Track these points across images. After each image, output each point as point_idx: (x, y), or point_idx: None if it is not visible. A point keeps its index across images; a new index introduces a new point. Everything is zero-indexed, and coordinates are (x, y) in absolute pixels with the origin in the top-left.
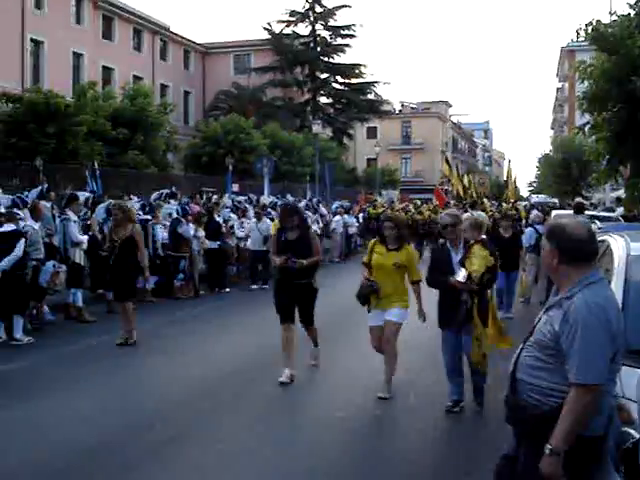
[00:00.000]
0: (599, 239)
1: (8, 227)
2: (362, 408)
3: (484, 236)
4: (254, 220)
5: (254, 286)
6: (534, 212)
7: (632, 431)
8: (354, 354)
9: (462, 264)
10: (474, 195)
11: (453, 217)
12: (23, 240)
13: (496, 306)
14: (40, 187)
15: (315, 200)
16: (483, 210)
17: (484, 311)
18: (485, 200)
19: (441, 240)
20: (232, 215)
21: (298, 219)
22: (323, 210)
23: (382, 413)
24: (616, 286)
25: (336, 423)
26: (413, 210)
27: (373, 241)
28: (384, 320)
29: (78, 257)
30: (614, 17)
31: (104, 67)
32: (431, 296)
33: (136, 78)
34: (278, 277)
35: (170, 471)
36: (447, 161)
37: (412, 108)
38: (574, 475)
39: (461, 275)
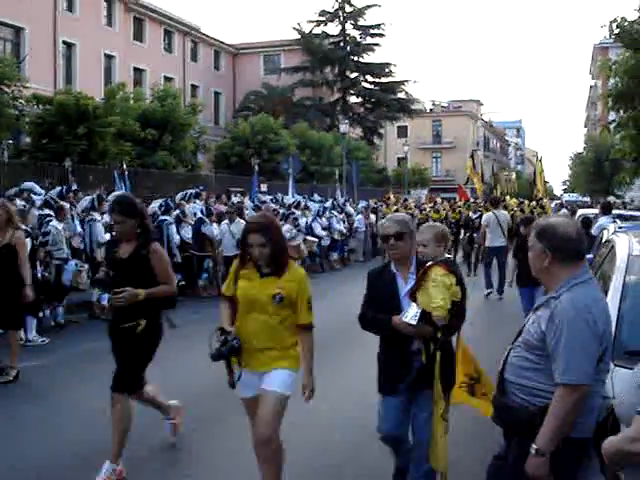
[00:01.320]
0: (607, 238)
1: None
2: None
3: (449, 256)
4: (226, 222)
5: None
6: (563, 211)
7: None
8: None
9: (412, 297)
10: (497, 193)
11: (399, 224)
12: (29, 240)
13: None
14: (60, 188)
15: (342, 200)
16: (505, 208)
17: (449, 372)
18: (508, 197)
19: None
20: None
21: (134, 222)
22: (350, 209)
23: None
24: (616, 285)
25: (345, 422)
26: (428, 209)
27: (236, 262)
28: (261, 390)
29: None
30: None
31: (135, 68)
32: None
33: (167, 79)
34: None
35: (181, 462)
36: (472, 157)
37: (443, 107)
38: (561, 477)
39: (410, 313)
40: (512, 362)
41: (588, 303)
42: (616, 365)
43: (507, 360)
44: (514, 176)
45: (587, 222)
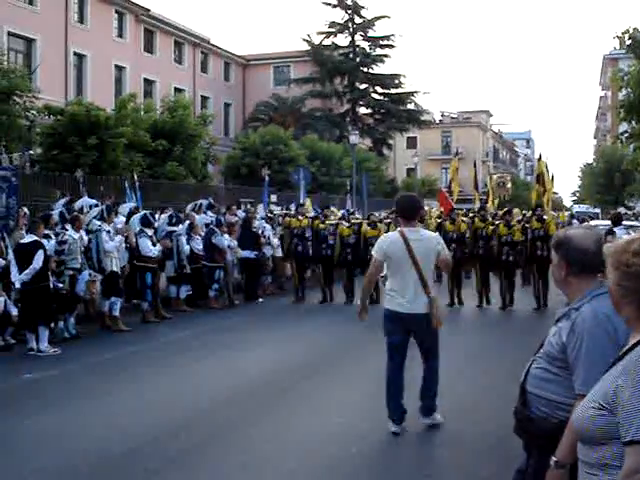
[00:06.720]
0: None
1: (29, 238)
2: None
3: None
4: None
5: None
6: (575, 224)
7: None
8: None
9: None
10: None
11: None
12: (42, 251)
13: None
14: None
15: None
16: (483, 219)
17: None
18: (489, 204)
19: None
20: (266, 225)
21: None
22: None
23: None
24: None
25: (361, 434)
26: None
27: None
28: None
29: (115, 266)
30: None
31: (146, 80)
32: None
33: (177, 90)
34: None
35: (195, 474)
36: (475, 166)
37: (452, 118)
38: None
39: None
40: (534, 374)
41: (609, 313)
42: None
43: (529, 372)
44: (509, 180)
45: None
